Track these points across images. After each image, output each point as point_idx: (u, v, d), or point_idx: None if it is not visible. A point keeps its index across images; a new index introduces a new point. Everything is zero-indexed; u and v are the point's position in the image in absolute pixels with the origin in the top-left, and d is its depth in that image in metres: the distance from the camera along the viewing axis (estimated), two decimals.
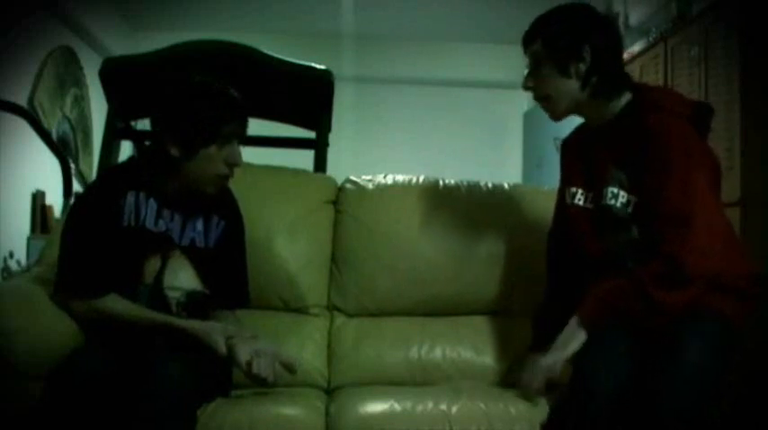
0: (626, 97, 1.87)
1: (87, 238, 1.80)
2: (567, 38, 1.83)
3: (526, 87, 1.90)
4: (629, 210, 1.80)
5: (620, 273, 1.78)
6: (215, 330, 1.75)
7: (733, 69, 3.63)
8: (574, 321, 1.77)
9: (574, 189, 1.94)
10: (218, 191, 1.88)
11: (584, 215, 1.90)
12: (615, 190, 1.82)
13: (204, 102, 1.79)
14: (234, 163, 1.84)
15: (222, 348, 1.73)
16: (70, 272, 1.79)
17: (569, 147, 2.05)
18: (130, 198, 1.83)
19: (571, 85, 1.84)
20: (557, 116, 1.91)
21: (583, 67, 1.83)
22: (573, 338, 1.76)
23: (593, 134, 1.92)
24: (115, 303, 1.77)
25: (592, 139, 1.93)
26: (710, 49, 3.82)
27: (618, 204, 1.81)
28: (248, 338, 1.77)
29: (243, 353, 1.72)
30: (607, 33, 1.87)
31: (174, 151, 1.79)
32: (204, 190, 1.85)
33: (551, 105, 1.89)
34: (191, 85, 1.83)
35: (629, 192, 1.81)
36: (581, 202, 1.92)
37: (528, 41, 1.90)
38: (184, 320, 1.79)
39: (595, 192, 1.88)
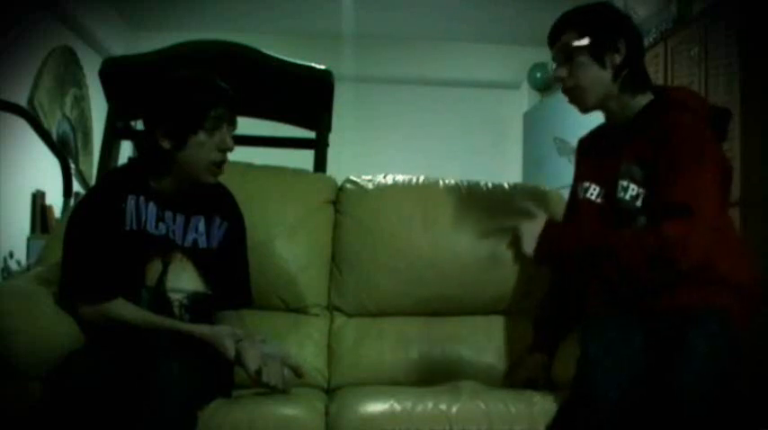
0: (647, 97, 1.89)
1: (92, 243, 1.80)
2: (604, 28, 1.86)
3: (558, 78, 1.91)
4: (638, 203, 1.82)
5: None
6: (224, 334, 1.75)
7: (733, 69, 3.64)
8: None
9: (587, 184, 1.96)
10: (216, 178, 1.88)
11: (595, 209, 1.92)
12: (626, 183, 1.83)
13: (187, 89, 1.83)
14: (225, 147, 1.85)
15: (231, 353, 1.74)
16: (77, 277, 1.79)
17: (585, 146, 2.08)
18: (131, 202, 1.84)
19: (604, 76, 1.86)
20: (586, 108, 1.91)
21: (618, 58, 1.85)
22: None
23: (611, 132, 1.94)
24: (123, 308, 1.77)
25: (609, 137, 1.95)
26: (710, 49, 3.83)
27: (627, 197, 1.83)
28: (256, 342, 1.78)
29: (252, 361, 1.73)
30: (635, 30, 1.92)
31: (166, 143, 1.81)
32: (201, 179, 1.86)
33: (581, 95, 1.89)
34: (173, 78, 1.87)
35: (639, 185, 1.82)
36: (592, 197, 1.93)
37: (558, 33, 1.90)
38: (193, 325, 1.79)
39: (607, 188, 1.89)
